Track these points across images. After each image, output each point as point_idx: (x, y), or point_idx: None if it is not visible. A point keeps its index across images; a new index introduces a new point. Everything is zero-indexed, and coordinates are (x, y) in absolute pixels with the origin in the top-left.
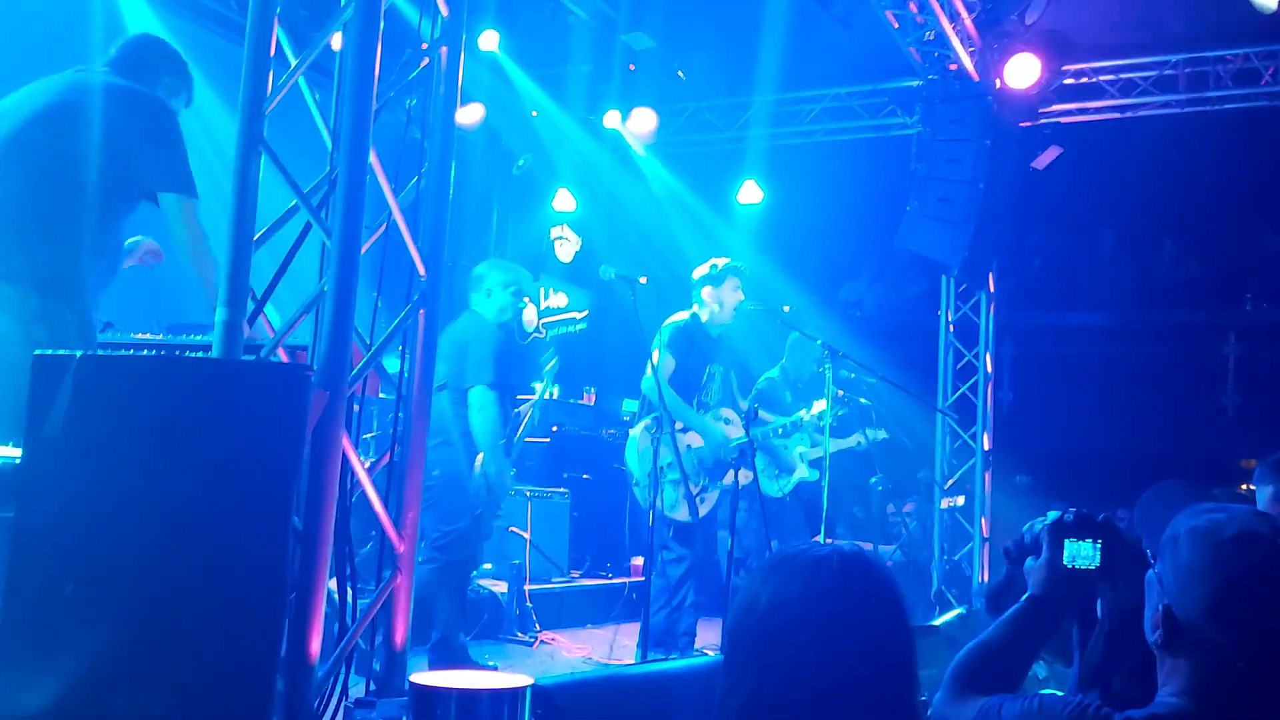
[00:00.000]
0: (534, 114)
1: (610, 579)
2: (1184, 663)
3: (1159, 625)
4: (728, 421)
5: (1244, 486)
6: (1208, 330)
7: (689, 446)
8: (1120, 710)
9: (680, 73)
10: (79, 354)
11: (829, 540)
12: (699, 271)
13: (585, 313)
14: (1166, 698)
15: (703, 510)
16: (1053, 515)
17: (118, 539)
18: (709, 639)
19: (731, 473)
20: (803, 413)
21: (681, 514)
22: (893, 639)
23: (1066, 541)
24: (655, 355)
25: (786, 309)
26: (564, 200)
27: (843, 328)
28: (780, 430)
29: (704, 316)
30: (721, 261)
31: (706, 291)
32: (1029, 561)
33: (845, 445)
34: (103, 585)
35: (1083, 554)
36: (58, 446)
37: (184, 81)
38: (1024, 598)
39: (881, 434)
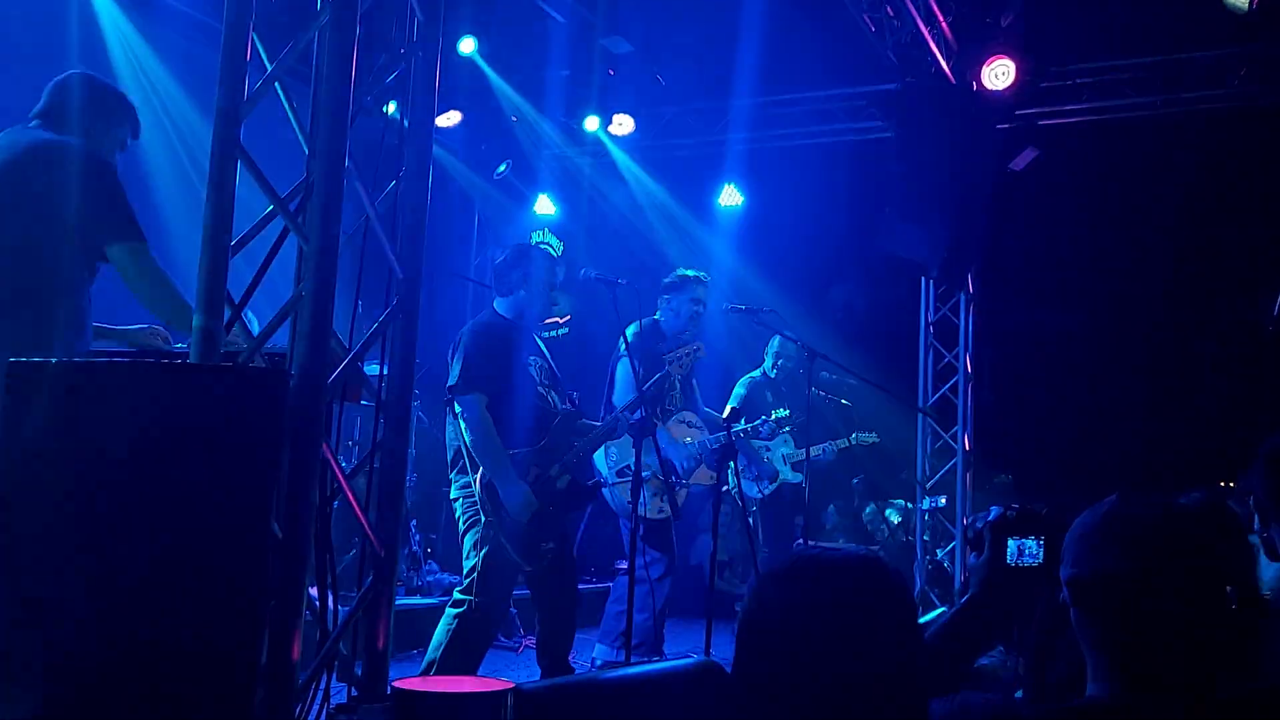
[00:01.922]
0: (514, 119)
1: (594, 583)
2: (1089, 651)
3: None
4: (690, 425)
5: (1222, 484)
6: (1185, 329)
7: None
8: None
9: (659, 78)
10: (55, 360)
11: (811, 542)
12: (666, 283)
13: (568, 317)
14: (1089, 689)
15: (666, 509)
16: (995, 511)
17: (94, 546)
18: (692, 641)
19: (706, 473)
20: (767, 420)
21: (661, 512)
22: (907, 645)
23: (1010, 540)
24: (619, 368)
25: (768, 310)
26: (544, 205)
27: (823, 329)
28: (744, 432)
29: (664, 325)
30: (689, 272)
31: (665, 300)
32: (972, 558)
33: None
34: (80, 593)
35: (1027, 551)
36: (34, 454)
37: (121, 115)
38: (963, 599)
39: (871, 437)
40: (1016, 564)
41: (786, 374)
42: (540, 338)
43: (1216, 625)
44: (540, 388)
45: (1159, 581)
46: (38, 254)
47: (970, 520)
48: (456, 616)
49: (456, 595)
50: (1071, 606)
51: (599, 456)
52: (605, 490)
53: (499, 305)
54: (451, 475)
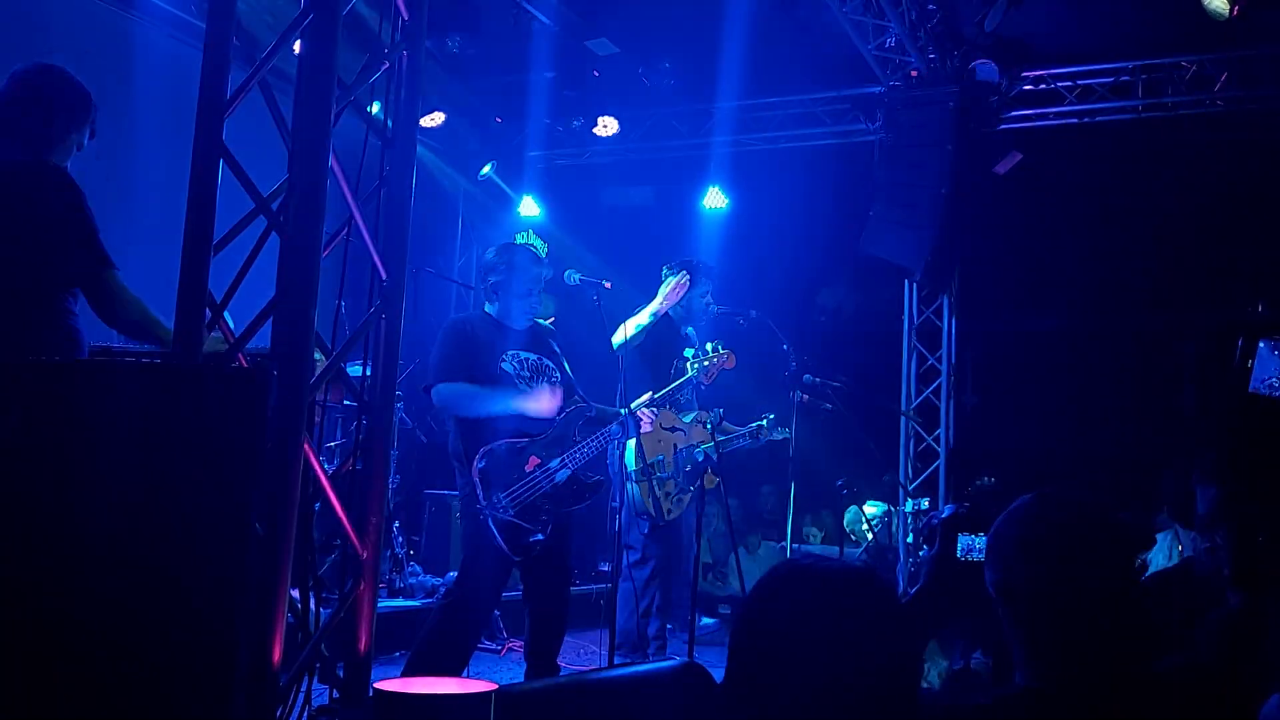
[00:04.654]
0: (498, 120)
1: (578, 585)
2: (1018, 644)
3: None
4: (701, 424)
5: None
6: (1166, 333)
7: (675, 446)
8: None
9: (644, 79)
10: (34, 360)
11: (796, 546)
12: (666, 267)
13: (551, 319)
14: (1018, 678)
15: (676, 512)
16: (950, 509)
17: (74, 547)
18: (674, 643)
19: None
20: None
21: (662, 512)
22: (898, 651)
23: (960, 535)
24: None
25: (753, 313)
26: (529, 206)
27: (809, 331)
28: (745, 437)
29: (672, 313)
30: (690, 259)
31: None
32: (922, 552)
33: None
34: (57, 593)
35: (976, 546)
36: (11, 454)
37: (82, 117)
38: (913, 589)
39: (784, 433)
40: (966, 558)
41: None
42: (545, 335)
43: (1131, 613)
44: (519, 384)
45: (1080, 580)
46: (18, 276)
47: (926, 518)
48: (442, 607)
49: (450, 587)
50: (999, 605)
51: (630, 451)
52: (629, 484)
53: (486, 305)
54: (466, 465)
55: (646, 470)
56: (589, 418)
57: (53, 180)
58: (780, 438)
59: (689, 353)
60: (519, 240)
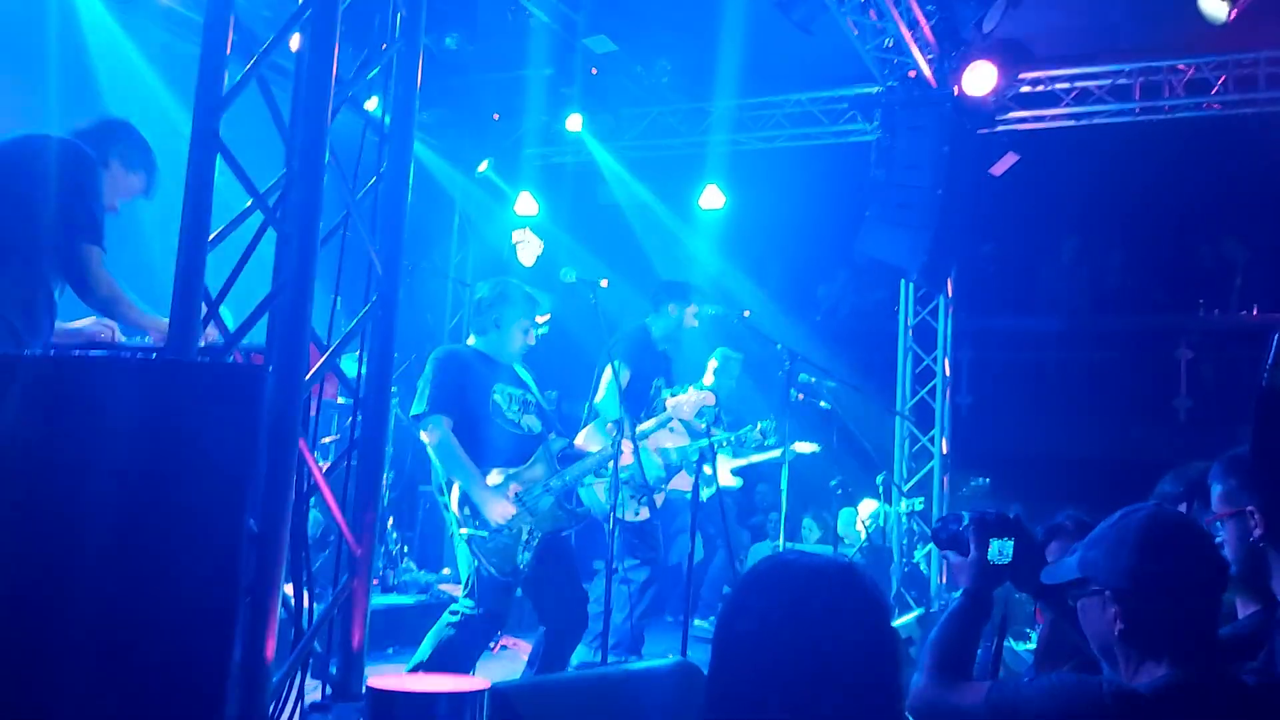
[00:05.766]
0: (495, 117)
1: None
2: (1171, 637)
3: (1114, 619)
4: (673, 430)
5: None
6: (1161, 335)
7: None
8: None
9: (639, 68)
10: (29, 354)
11: (789, 545)
12: (668, 285)
13: (547, 316)
14: (1163, 670)
15: (644, 513)
16: (967, 516)
17: (68, 542)
18: (669, 642)
19: (688, 479)
20: (753, 429)
21: (637, 514)
22: (881, 647)
23: (992, 540)
24: (608, 371)
25: (746, 313)
26: (526, 204)
27: (805, 331)
28: (727, 443)
29: (655, 330)
30: (691, 282)
31: (671, 308)
32: (952, 556)
33: (769, 457)
34: (51, 589)
35: (1004, 551)
36: (5, 448)
37: (143, 164)
38: (960, 593)
39: (811, 447)
40: (994, 562)
41: (727, 392)
42: (524, 369)
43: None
44: (509, 413)
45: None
46: (20, 242)
47: (943, 522)
48: (451, 625)
49: (454, 605)
50: (1136, 601)
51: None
52: (582, 490)
53: (474, 339)
54: (446, 491)
55: (615, 478)
56: (564, 451)
57: (72, 151)
58: (809, 452)
59: (667, 393)
60: (514, 238)
